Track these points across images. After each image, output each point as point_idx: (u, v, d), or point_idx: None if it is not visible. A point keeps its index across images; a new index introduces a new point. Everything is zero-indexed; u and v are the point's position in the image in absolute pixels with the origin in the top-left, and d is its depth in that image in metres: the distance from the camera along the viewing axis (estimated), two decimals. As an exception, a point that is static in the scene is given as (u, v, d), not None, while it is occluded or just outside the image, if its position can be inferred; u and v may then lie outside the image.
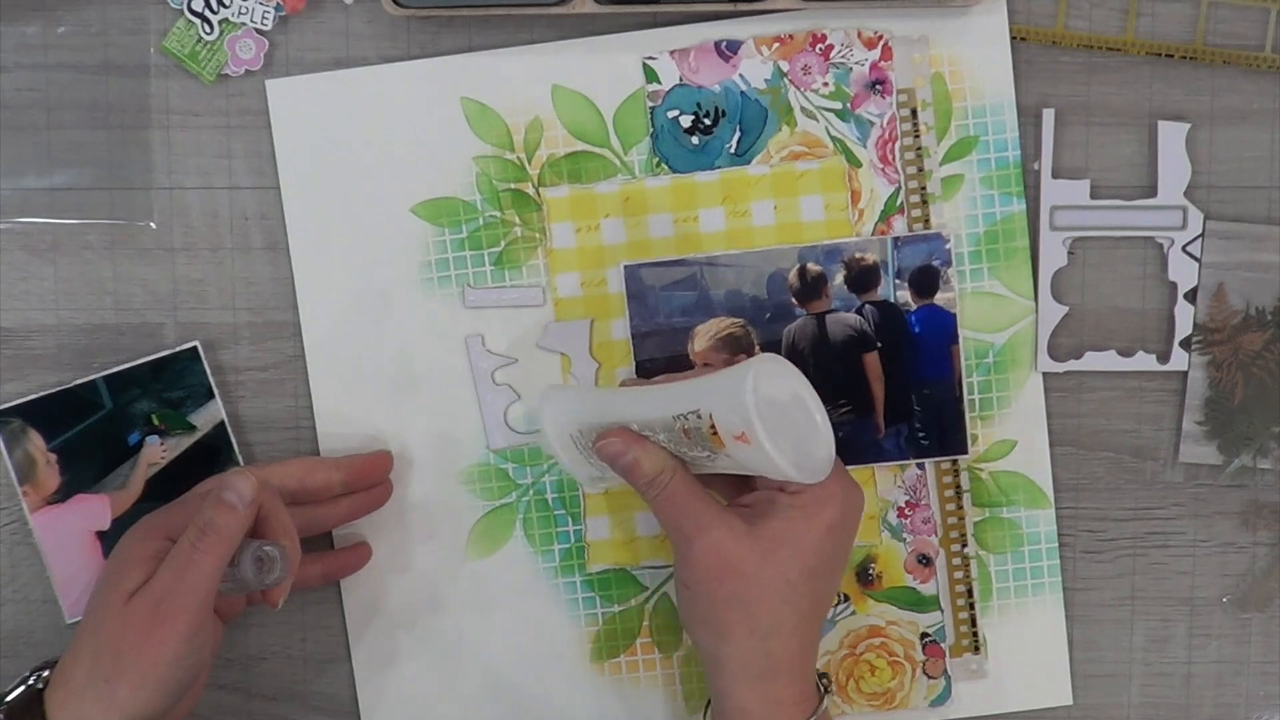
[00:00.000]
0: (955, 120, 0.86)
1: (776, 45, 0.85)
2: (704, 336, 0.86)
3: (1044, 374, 0.87)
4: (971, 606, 0.88)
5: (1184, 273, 0.86)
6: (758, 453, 0.73)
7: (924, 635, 0.88)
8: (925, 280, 0.86)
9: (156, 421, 0.86)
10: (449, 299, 0.87)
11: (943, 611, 0.88)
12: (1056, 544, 0.88)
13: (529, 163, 0.86)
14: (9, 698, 0.75)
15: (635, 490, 0.78)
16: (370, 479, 0.86)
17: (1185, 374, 0.87)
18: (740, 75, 0.86)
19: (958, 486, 0.87)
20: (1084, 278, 0.87)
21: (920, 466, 0.87)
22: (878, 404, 0.86)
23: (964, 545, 0.87)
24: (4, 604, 0.88)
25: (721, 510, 0.77)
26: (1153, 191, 0.86)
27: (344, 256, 0.87)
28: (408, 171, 0.86)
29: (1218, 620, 0.89)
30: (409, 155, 0.86)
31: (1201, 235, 0.86)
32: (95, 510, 0.86)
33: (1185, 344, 0.87)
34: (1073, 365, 0.87)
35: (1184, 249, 0.86)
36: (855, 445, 0.86)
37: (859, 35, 0.85)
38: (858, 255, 0.85)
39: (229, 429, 0.87)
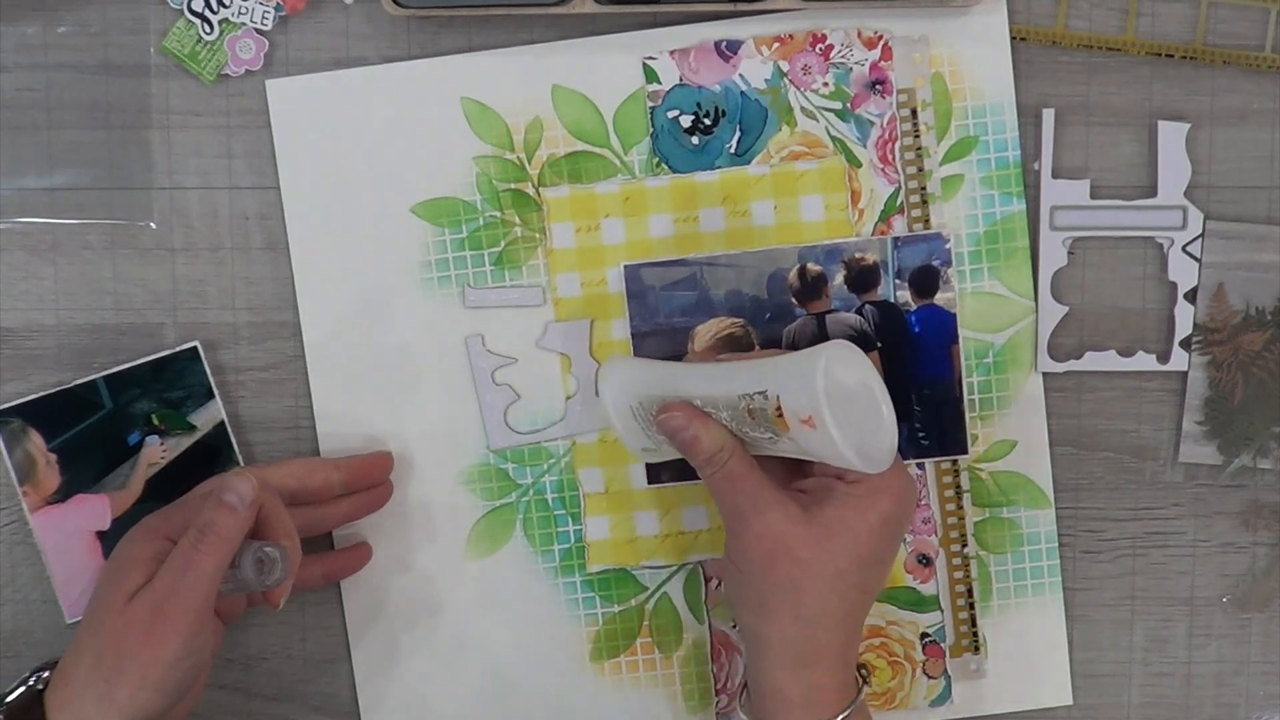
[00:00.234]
0: (955, 120, 0.86)
1: (776, 45, 0.85)
2: (704, 336, 0.86)
3: (1044, 374, 0.87)
4: (971, 606, 0.88)
5: (1184, 273, 0.86)
6: (822, 438, 0.72)
7: (924, 635, 0.88)
8: (925, 280, 0.86)
9: (156, 421, 0.86)
10: (449, 299, 0.87)
11: (943, 611, 0.88)
12: (1056, 544, 0.88)
13: (529, 163, 0.86)
14: (9, 698, 0.75)
15: (693, 466, 0.78)
16: (370, 479, 0.86)
17: (1185, 374, 0.87)
18: (740, 75, 0.86)
19: (958, 486, 0.87)
20: (1084, 278, 0.87)
21: (920, 466, 0.87)
22: (878, 404, 0.86)
23: (964, 545, 0.87)
24: (4, 604, 0.88)
25: (778, 493, 0.76)
26: (1153, 191, 0.86)
27: (344, 256, 0.87)
28: (408, 171, 0.86)
29: (1218, 620, 0.89)
30: (409, 155, 0.86)
31: (1201, 235, 0.86)
32: (95, 510, 0.86)
33: (1185, 344, 0.87)
34: (1073, 365, 0.87)
35: (1184, 249, 0.86)
36: (855, 445, 0.86)
37: (859, 35, 0.85)
38: (858, 255, 0.85)
39: (229, 429, 0.87)
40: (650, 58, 0.86)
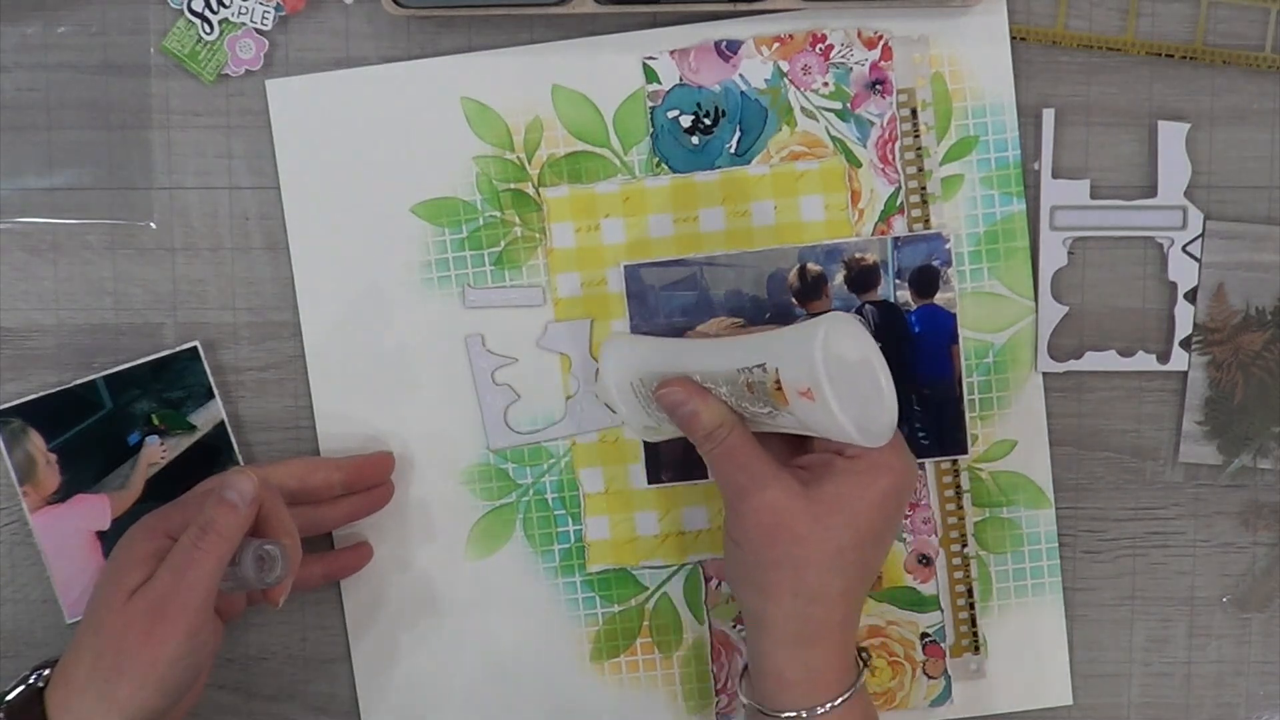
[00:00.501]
0: (955, 120, 0.86)
1: (776, 45, 0.85)
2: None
3: (1044, 374, 0.87)
4: (971, 606, 0.88)
5: (1184, 273, 0.86)
6: (821, 411, 0.72)
7: (924, 635, 0.88)
8: (925, 280, 0.86)
9: (156, 421, 0.86)
10: (449, 299, 0.87)
11: (943, 611, 0.88)
12: (1056, 544, 0.88)
13: (529, 163, 0.86)
14: (9, 697, 0.75)
15: (692, 442, 0.78)
16: (371, 479, 0.86)
17: (1185, 374, 0.87)
18: (740, 75, 0.86)
19: (958, 486, 0.87)
20: (1084, 278, 0.87)
21: (920, 466, 0.87)
22: (878, 404, 0.86)
23: (964, 545, 0.87)
24: (4, 604, 0.88)
25: (777, 469, 0.76)
26: (1153, 191, 0.86)
27: (344, 256, 0.87)
28: (408, 171, 0.86)
29: (1218, 620, 0.89)
30: (409, 155, 0.86)
31: (1201, 235, 0.86)
32: (95, 510, 0.86)
33: (1185, 344, 0.87)
34: (1073, 365, 0.87)
35: (1184, 249, 0.86)
36: (855, 445, 0.86)
37: (859, 35, 0.85)
38: (858, 255, 0.85)
39: (229, 429, 0.87)
40: (650, 58, 0.86)
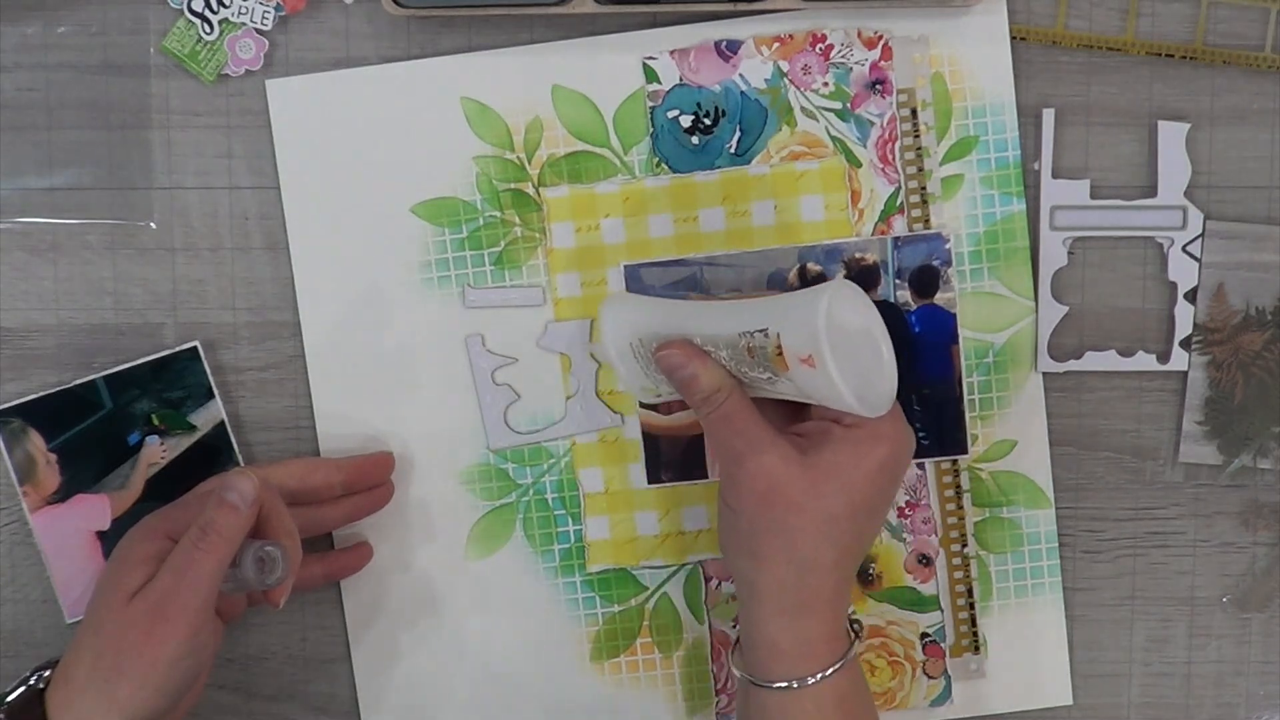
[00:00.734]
0: (955, 120, 0.86)
1: (776, 45, 0.85)
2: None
3: (1044, 374, 0.87)
4: (971, 606, 0.88)
5: (1184, 273, 0.86)
6: (821, 378, 0.72)
7: (924, 635, 0.88)
8: (925, 280, 0.86)
9: (156, 421, 0.86)
10: (449, 299, 0.87)
11: (943, 611, 0.88)
12: (1056, 544, 0.88)
13: (529, 163, 0.86)
14: (10, 697, 0.75)
15: (690, 405, 0.78)
16: (371, 480, 0.86)
17: (1185, 374, 0.87)
18: (740, 75, 0.86)
19: (958, 486, 0.87)
20: (1084, 278, 0.87)
21: (920, 466, 0.87)
22: (878, 404, 0.86)
23: (964, 545, 0.87)
24: (4, 604, 0.88)
25: (775, 434, 0.76)
26: (1153, 191, 0.86)
27: (344, 256, 0.87)
28: (408, 171, 0.86)
29: (1218, 620, 0.89)
30: (409, 155, 0.86)
31: (1201, 235, 0.86)
32: (95, 510, 0.86)
33: (1185, 344, 0.87)
34: (1073, 365, 0.87)
35: (1184, 249, 0.86)
36: (855, 445, 0.86)
37: (859, 35, 0.85)
38: (858, 255, 0.85)
39: (229, 429, 0.87)
40: (650, 58, 0.86)
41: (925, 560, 0.87)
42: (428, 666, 0.88)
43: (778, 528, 0.75)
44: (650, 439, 0.87)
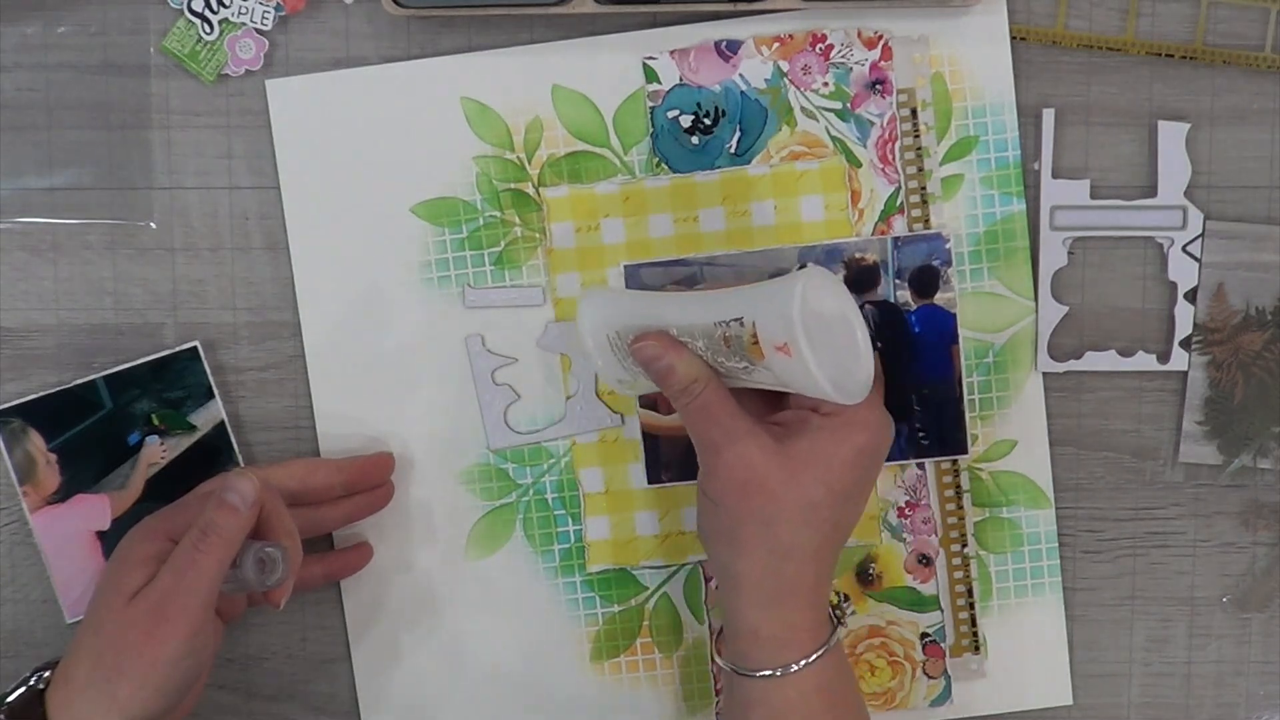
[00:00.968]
0: (955, 120, 0.86)
1: (776, 45, 0.85)
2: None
3: (1044, 374, 0.87)
4: (971, 606, 0.88)
5: (1184, 273, 0.86)
6: (797, 366, 0.72)
7: (924, 635, 0.88)
8: (925, 280, 0.86)
9: (156, 421, 0.86)
10: (449, 299, 0.87)
11: (943, 611, 0.88)
12: (1056, 544, 0.88)
13: (529, 163, 0.86)
14: (10, 698, 0.75)
15: (667, 396, 0.77)
16: (371, 481, 0.86)
17: (1185, 374, 0.87)
18: (740, 75, 0.86)
19: (958, 486, 0.87)
20: (1084, 278, 0.87)
21: (920, 466, 0.87)
22: (878, 404, 0.86)
23: (964, 545, 0.87)
24: (4, 604, 0.88)
25: (752, 424, 0.76)
26: (1153, 191, 0.86)
27: (344, 256, 0.87)
28: (408, 171, 0.86)
29: (1218, 620, 0.89)
30: (409, 155, 0.86)
31: (1201, 235, 0.86)
32: (95, 510, 0.86)
33: (1185, 344, 0.87)
34: (1073, 365, 0.87)
35: (1184, 249, 0.86)
36: (855, 445, 0.86)
37: (859, 35, 0.85)
38: (858, 255, 0.85)
39: (229, 429, 0.87)
40: (650, 58, 0.86)
41: (925, 560, 0.87)
42: (428, 666, 0.88)
43: (757, 517, 0.75)
44: (650, 439, 0.87)
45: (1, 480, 0.86)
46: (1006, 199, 0.86)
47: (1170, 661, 0.89)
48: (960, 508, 0.87)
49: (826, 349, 0.72)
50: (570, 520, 0.88)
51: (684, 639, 0.88)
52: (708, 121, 0.86)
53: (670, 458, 0.87)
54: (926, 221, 0.86)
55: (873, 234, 0.86)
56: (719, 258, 0.85)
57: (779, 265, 0.85)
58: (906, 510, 0.87)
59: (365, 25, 0.86)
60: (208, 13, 0.85)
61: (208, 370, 0.86)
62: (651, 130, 0.86)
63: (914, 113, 0.86)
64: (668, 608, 0.88)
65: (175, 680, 0.74)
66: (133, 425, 0.86)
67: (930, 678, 0.88)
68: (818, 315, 0.73)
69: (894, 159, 0.86)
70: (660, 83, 0.86)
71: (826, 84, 0.85)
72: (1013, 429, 0.87)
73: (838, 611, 0.79)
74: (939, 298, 0.86)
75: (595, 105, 0.86)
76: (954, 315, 0.86)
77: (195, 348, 0.86)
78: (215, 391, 0.87)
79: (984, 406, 0.87)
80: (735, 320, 0.74)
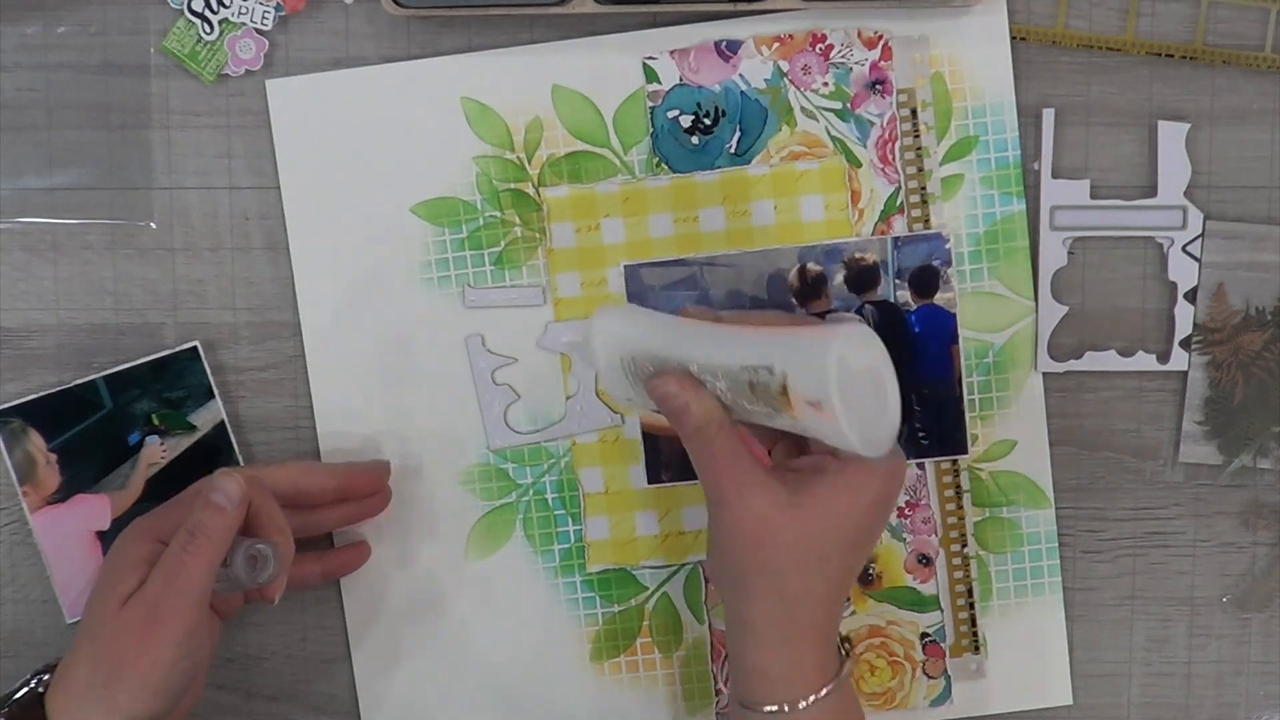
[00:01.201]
0: (955, 120, 0.86)
1: (776, 45, 0.85)
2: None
3: (1044, 374, 0.87)
4: (971, 606, 0.88)
5: (1184, 273, 0.86)
6: (828, 424, 0.70)
7: (924, 635, 0.88)
8: (925, 280, 0.86)
9: (156, 421, 0.86)
10: (449, 299, 0.87)
11: (942, 611, 0.88)
12: (1056, 544, 0.88)
13: (529, 163, 0.86)
14: (11, 700, 0.75)
15: (676, 431, 0.75)
16: (366, 489, 0.85)
17: (1185, 374, 0.87)
18: (740, 75, 0.86)
19: (958, 486, 0.87)
20: (1084, 278, 0.87)
21: (920, 466, 0.87)
22: (878, 404, 0.86)
23: (964, 545, 0.87)
24: (4, 604, 0.88)
25: (763, 475, 0.74)
26: (1153, 191, 0.86)
27: (344, 256, 0.87)
28: (408, 171, 0.86)
29: (1218, 620, 0.89)
30: (409, 155, 0.86)
31: (1201, 235, 0.86)
32: (95, 510, 0.86)
33: (1185, 344, 0.87)
34: (1073, 365, 0.87)
35: (1184, 249, 0.86)
36: (855, 445, 0.86)
37: (859, 35, 0.85)
38: (858, 255, 0.85)
39: (229, 429, 0.87)
40: (650, 58, 0.86)
41: (925, 560, 0.87)
42: (428, 667, 0.88)
43: (766, 568, 0.74)
44: (650, 439, 0.87)
45: (1, 480, 0.86)
46: (1006, 199, 0.86)
47: (1170, 661, 0.89)
48: (960, 508, 0.87)
49: (858, 406, 0.70)
50: (570, 520, 0.88)
51: (684, 639, 0.88)
52: (708, 121, 0.86)
53: (670, 458, 0.87)
54: (926, 221, 0.86)
55: (873, 234, 0.86)
56: (719, 258, 0.85)
57: (779, 265, 0.85)
58: (906, 510, 0.87)
59: (365, 25, 0.86)
60: (208, 13, 0.85)
61: (208, 370, 0.86)
62: (651, 130, 0.86)
63: (914, 113, 0.86)
64: (668, 608, 0.88)
65: (173, 681, 0.74)
66: (133, 425, 0.86)
67: (930, 678, 0.88)
68: (852, 373, 0.71)
69: (894, 159, 0.86)
70: (660, 83, 0.86)
71: (826, 84, 0.85)
72: (1013, 429, 0.87)
73: (845, 646, 0.79)
74: (939, 298, 0.86)
75: (595, 105, 0.86)
76: (954, 315, 0.86)
77: (195, 348, 0.86)
78: (215, 391, 0.87)
79: (984, 406, 0.87)
80: (765, 368, 0.72)
